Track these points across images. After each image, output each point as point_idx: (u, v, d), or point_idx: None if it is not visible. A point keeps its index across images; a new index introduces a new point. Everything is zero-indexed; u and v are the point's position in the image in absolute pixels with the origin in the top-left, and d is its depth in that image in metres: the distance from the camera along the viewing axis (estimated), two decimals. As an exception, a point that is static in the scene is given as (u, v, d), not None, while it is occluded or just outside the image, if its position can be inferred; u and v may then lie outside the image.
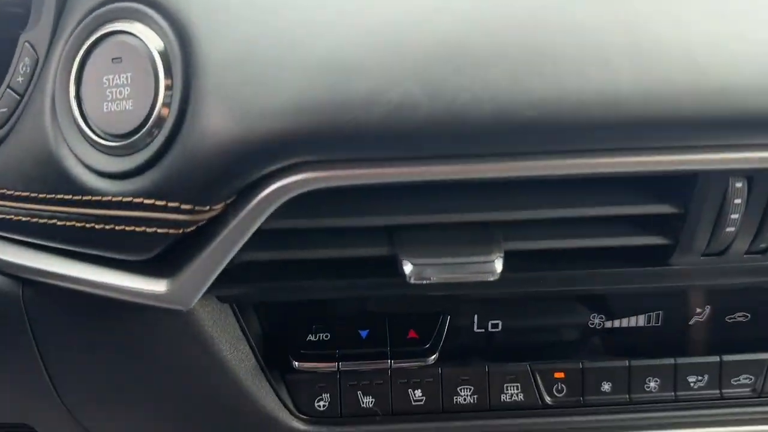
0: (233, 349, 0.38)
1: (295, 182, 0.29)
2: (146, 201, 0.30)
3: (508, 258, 0.32)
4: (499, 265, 0.31)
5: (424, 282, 0.32)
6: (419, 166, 0.28)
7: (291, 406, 0.41)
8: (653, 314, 0.41)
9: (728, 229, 0.30)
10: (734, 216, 0.30)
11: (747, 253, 0.33)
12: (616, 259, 0.34)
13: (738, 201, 0.30)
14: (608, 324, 0.42)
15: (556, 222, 0.32)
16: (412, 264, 0.31)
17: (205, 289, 0.31)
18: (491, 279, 0.31)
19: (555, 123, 0.27)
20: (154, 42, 0.30)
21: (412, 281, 0.31)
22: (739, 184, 0.30)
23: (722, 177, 0.30)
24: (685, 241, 0.31)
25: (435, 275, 0.31)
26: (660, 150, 0.29)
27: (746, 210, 0.31)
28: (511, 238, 0.32)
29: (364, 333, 0.40)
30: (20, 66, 0.34)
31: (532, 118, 0.27)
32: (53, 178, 0.32)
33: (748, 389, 0.43)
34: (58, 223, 0.32)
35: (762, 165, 0.30)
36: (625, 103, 0.27)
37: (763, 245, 0.32)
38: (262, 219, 0.30)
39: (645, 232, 0.32)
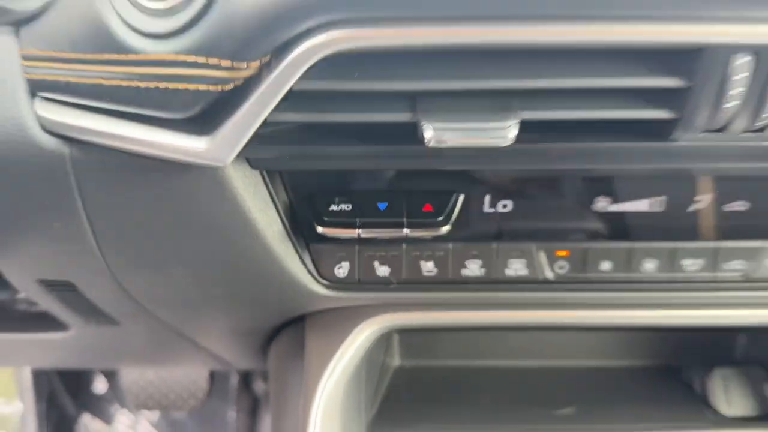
0: (262, 213, 0.41)
1: (324, 42, 0.31)
2: (188, 58, 0.32)
3: (522, 130, 0.35)
4: (513, 132, 0.34)
5: (442, 146, 0.34)
6: (441, 26, 0.30)
7: (313, 271, 0.45)
8: (655, 199, 0.44)
9: (731, 103, 0.32)
10: (737, 91, 0.32)
11: (746, 131, 0.35)
12: (623, 134, 0.36)
13: (741, 76, 0.32)
14: (611, 208, 0.44)
15: (567, 94, 0.34)
16: (432, 128, 0.34)
17: (241, 146, 0.34)
18: (504, 144, 0.34)
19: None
20: None
21: (431, 144, 0.34)
22: (745, 59, 0.32)
23: (728, 52, 0.32)
24: (687, 116, 0.34)
25: (452, 139, 0.34)
26: (670, 20, 0.30)
27: (750, 86, 0.33)
28: (526, 108, 0.34)
29: (383, 205, 0.43)
30: None
31: None
32: (100, 39, 0.34)
33: (739, 274, 0.46)
34: (105, 83, 0.35)
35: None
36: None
37: (759, 123, 0.34)
38: (294, 79, 0.32)
39: (651, 105, 0.34)
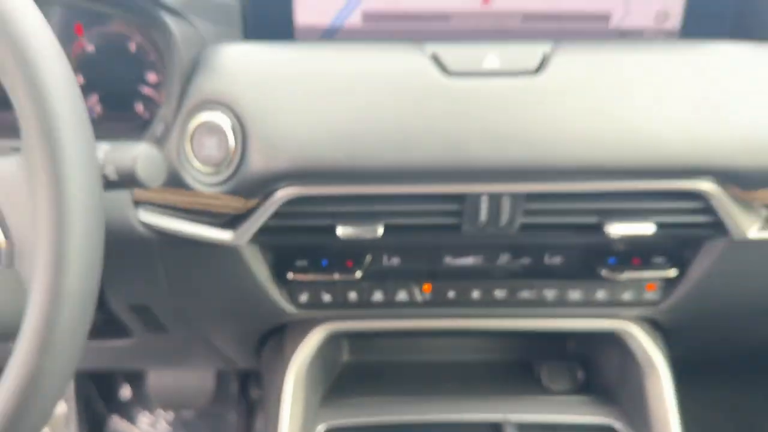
0: (259, 267, 0.73)
1: (290, 192, 0.65)
2: (223, 196, 0.66)
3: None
4: (380, 231, 0.67)
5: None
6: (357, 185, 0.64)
7: (287, 299, 0.77)
8: (477, 257, 0.77)
9: (483, 218, 0.66)
10: (484, 216, 0.66)
11: (501, 227, 0.68)
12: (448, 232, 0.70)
13: (484, 206, 0.66)
14: (454, 262, 0.78)
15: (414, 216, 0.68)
16: (342, 230, 0.68)
17: (249, 236, 0.67)
18: (376, 236, 0.67)
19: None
20: (227, 122, 0.65)
21: (342, 237, 0.68)
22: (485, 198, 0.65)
23: (474, 196, 0.65)
24: (463, 222, 0.67)
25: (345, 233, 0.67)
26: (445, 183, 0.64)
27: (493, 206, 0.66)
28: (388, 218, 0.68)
29: (324, 262, 0.76)
30: (158, 127, 0.69)
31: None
32: (176, 182, 0.67)
33: (553, 299, 0.76)
34: (179, 203, 0.68)
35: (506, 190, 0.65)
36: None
37: (504, 226, 0.67)
38: (274, 209, 0.66)
39: (448, 217, 0.68)
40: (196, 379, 1.50)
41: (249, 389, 1.62)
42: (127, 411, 1.65)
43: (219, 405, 1.62)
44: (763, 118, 0.63)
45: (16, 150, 0.53)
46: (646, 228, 0.65)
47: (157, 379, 1.50)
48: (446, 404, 0.84)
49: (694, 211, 0.66)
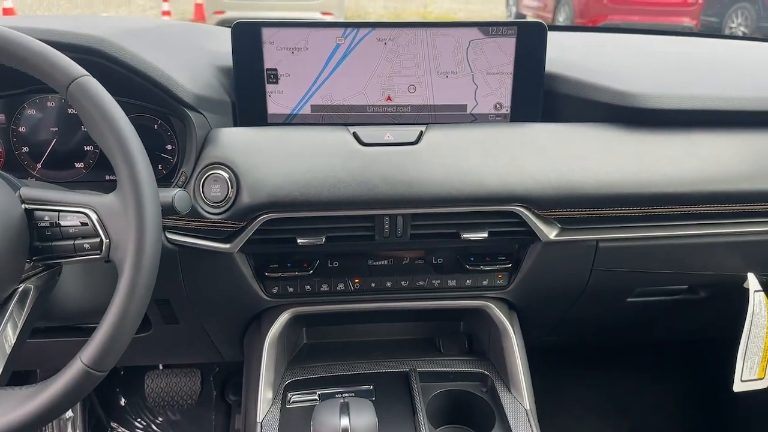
0: (246, 269, 1.10)
1: (267, 216, 1.04)
2: (223, 221, 1.05)
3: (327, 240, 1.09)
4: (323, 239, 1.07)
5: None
6: (308, 211, 1.03)
7: (263, 291, 1.15)
8: (388, 260, 1.17)
9: (386, 230, 1.07)
10: (387, 229, 1.07)
11: (398, 236, 1.09)
12: (364, 239, 1.10)
13: (386, 223, 1.07)
14: (374, 263, 1.18)
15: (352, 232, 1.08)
16: (303, 240, 1.07)
17: (239, 246, 1.05)
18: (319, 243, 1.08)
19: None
20: (226, 175, 1.05)
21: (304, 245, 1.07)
22: (401, 219, 1.07)
23: (381, 217, 1.06)
24: (376, 234, 1.08)
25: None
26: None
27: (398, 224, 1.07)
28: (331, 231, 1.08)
29: (289, 265, 1.15)
30: (181, 178, 1.08)
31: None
32: (193, 214, 1.06)
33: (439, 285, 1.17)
34: (194, 226, 1.07)
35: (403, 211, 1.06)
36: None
37: (401, 236, 1.08)
38: (256, 227, 1.04)
39: (366, 233, 1.08)
40: (184, 381, 1.84)
41: (226, 394, 1.96)
42: (123, 417, 1.97)
43: (201, 408, 1.96)
44: (549, 169, 1.06)
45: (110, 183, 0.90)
46: (483, 235, 1.07)
47: (153, 382, 1.83)
48: (374, 363, 1.23)
49: (515, 224, 1.08)
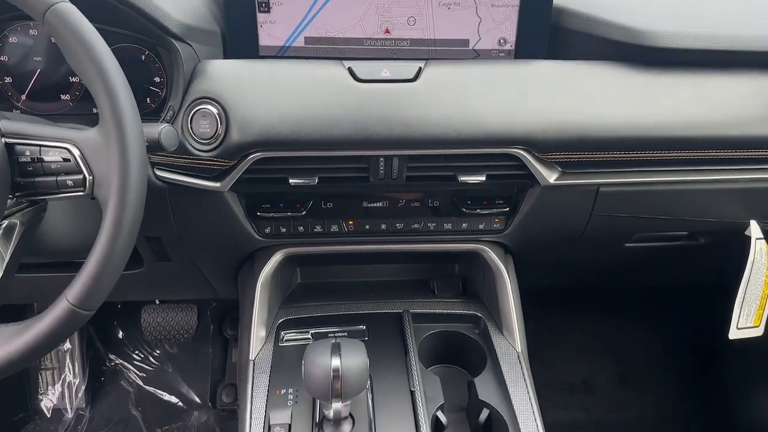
0: (237, 208, 1.08)
1: (257, 155, 1.00)
2: (213, 159, 1.01)
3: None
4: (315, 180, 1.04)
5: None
6: (300, 150, 1.00)
7: (256, 231, 1.14)
8: (384, 202, 1.15)
9: (381, 171, 1.04)
10: (382, 170, 1.04)
11: (394, 179, 1.06)
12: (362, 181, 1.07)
13: (381, 165, 1.03)
14: (368, 205, 1.15)
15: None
16: (293, 181, 1.04)
17: (230, 185, 1.02)
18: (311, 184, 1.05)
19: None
20: (215, 110, 1.01)
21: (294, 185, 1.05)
22: (381, 161, 1.03)
23: (376, 159, 1.02)
24: (371, 176, 1.04)
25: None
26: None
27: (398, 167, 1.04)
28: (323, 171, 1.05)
29: (281, 205, 1.13)
30: (168, 113, 1.04)
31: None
32: (181, 151, 1.03)
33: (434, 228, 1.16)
34: (183, 164, 1.04)
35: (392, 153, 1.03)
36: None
37: (396, 178, 1.05)
38: (247, 166, 1.00)
39: (360, 174, 1.05)
40: (181, 316, 1.86)
41: (224, 329, 1.98)
42: (122, 349, 1.99)
43: (199, 342, 1.98)
44: (553, 110, 1.01)
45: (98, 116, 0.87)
46: (481, 178, 1.04)
47: (149, 316, 1.84)
48: (367, 304, 1.22)
49: (514, 167, 1.05)
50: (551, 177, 1.06)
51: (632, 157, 1.05)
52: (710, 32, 1.05)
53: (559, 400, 1.85)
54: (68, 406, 1.86)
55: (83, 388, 1.87)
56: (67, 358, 1.90)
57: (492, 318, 1.20)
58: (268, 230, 1.12)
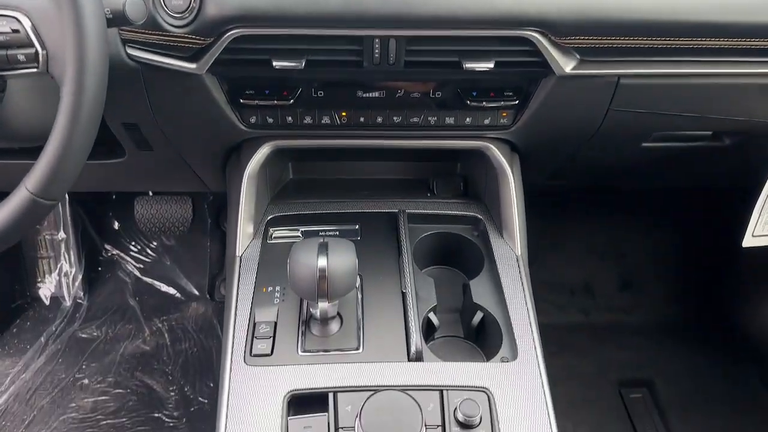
0: (218, 94, 0.98)
1: (235, 32, 0.89)
2: (187, 36, 0.90)
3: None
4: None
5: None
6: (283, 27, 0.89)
7: (240, 120, 1.05)
8: (382, 92, 1.04)
9: (376, 54, 0.92)
10: (377, 54, 0.92)
11: (391, 64, 0.95)
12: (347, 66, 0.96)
13: (376, 49, 0.92)
14: (364, 95, 1.05)
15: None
16: (277, 64, 0.94)
17: (207, 66, 0.92)
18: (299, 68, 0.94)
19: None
20: None
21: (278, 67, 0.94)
22: (376, 42, 0.91)
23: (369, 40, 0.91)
24: (365, 60, 0.93)
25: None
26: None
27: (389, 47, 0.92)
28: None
29: (267, 91, 1.03)
30: None
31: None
32: (154, 27, 0.92)
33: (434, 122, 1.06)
34: (155, 41, 0.93)
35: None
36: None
37: (393, 63, 0.94)
38: (224, 45, 0.90)
39: (353, 57, 0.94)
40: (175, 208, 1.81)
41: (221, 221, 1.95)
42: (117, 240, 1.97)
43: (197, 234, 1.95)
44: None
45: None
46: (488, 65, 0.93)
47: (142, 207, 1.80)
48: (361, 202, 1.15)
49: (527, 53, 0.93)
50: (568, 65, 0.94)
51: (658, 44, 0.93)
52: None
53: (558, 302, 1.82)
54: (66, 295, 1.86)
55: (80, 277, 1.86)
56: (63, 247, 1.88)
57: (492, 220, 1.13)
58: (253, 120, 1.03)
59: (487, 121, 1.05)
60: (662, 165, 1.30)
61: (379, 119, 1.05)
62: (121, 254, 1.96)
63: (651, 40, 0.92)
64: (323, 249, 0.86)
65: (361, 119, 1.05)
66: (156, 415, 1.57)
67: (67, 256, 1.88)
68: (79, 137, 0.73)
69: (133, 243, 1.96)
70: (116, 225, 1.95)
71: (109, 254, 1.96)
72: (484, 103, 1.02)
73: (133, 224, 1.91)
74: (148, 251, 1.96)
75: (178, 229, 1.83)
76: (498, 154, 1.09)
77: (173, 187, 1.63)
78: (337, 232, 1.09)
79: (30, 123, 0.92)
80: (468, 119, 1.05)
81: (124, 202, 1.91)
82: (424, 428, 0.78)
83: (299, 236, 1.09)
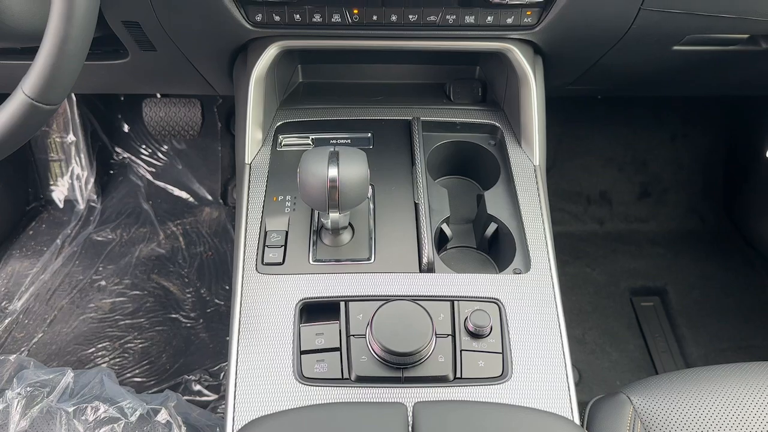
0: None
1: None
2: None
3: None
4: None
5: None
6: None
7: (245, 18, 0.98)
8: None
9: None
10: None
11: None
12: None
13: None
14: None
15: None
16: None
17: None
18: None
19: None
20: None
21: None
22: None
23: None
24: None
25: None
26: None
27: None
28: None
29: None
30: None
31: None
32: None
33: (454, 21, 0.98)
34: None
35: None
36: None
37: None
38: None
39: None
40: (184, 111, 1.77)
41: (231, 125, 1.91)
42: (128, 143, 1.95)
43: (208, 139, 1.92)
44: None
45: None
46: None
47: (150, 110, 1.76)
48: (374, 109, 1.11)
49: None
50: None
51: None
52: None
53: (574, 211, 1.80)
54: (79, 198, 1.87)
55: (92, 180, 1.86)
56: (73, 150, 1.87)
57: (511, 128, 1.09)
58: (259, 17, 0.97)
59: (510, 21, 0.98)
60: (693, 70, 1.23)
61: (394, 17, 0.98)
62: (133, 157, 1.95)
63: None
64: (334, 158, 0.83)
65: (374, 17, 0.98)
66: (173, 315, 1.61)
67: (78, 159, 1.87)
68: (74, 37, 0.69)
69: (144, 146, 1.95)
70: (126, 128, 1.92)
71: (120, 157, 1.95)
72: (507, 0, 0.95)
73: (143, 127, 1.88)
74: (159, 155, 1.95)
75: (188, 133, 1.80)
76: (520, 57, 1.03)
77: (181, 89, 1.58)
78: (349, 140, 1.06)
79: (28, 22, 0.87)
80: (490, 18, 0.98)
81: (133, 104, 1.88)
82: (434, 337, 0.79)
83: (310, 144, 1.06)
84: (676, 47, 1.09)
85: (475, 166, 1.10)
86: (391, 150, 1.04)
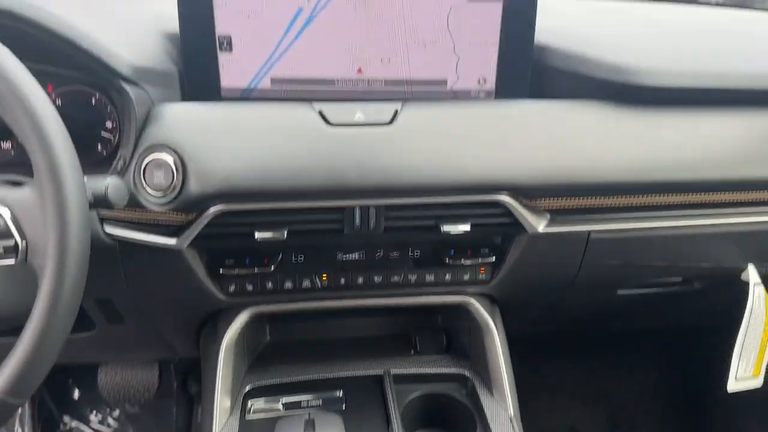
0: (197, 266, 0.97)
1: (218, 209, 0.90)
2: (169, 212, 0.91)
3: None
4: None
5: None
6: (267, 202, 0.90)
7: (219, 289, 1.03)
8: (361, 252, 1.05)
9: (357, 222, 0.95)
10: (357, 222, 0.94)
11: (371, 230, 0.97)
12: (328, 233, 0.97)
13: (357, 215, 0.94)
14: (343, 258, 1.05)
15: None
16: (260, 234, 0.94)
17: (189, 242, 0.92)
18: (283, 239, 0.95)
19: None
20: (171, 159, 0.91)
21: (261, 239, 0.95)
22: (357, 211, 0.94)
23: (350, 209, 0.94)
24: (346, 228, 0.95)
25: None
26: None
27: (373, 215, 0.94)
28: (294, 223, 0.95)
29: (248, 261, 1.02)
30: (119, 163, 0.93)
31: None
32: (133, 204, 0.92)
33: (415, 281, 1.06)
34: (135, 219, 0.93)
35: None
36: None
37: (373, 229, 0.96)
38: (207, 221, 0.91)
39: (334, 224, 0.96)
40: (141, 374, 1.71)
41: (188, 385, 1.84)
42: (77, 411, 1.83)
43: (162, 400, 1.83)
44: (539, 154, 0.94)
45: (18, 184, 0.77)
46: (465, 227, 0.95)
47: (106, 376, 1.70)
48: (344, 365, 1.12)
49: (500, 215, 0.97)
50: (540, 225, 0.98)
51: (625, 202, 0.98)
52: (701, 69, 1.00)
53: (548, 452, 1.75)
54: (17, 475, 1.69)
55: (33, 455, 1.70)
56: (17, 421, 1.73)
57: (480, 376, 1.11)
58: (232, 289, 1.02)
59: (466, 278, 1.06)
60: (639, 310, 1.32)
61: (360, 280, 1.05)
62: (80, 426, 1.82)
63: (616, 198, 0.98)
64: (309, 428, 0.82)
65: (342, 281, 1.05)
66: None
67: (20, 430, 1.73)
68: (55, 334, 0.70)
69: (94, 413, 1.83)
70: (76, 394, 1.82)
71: (67, 427, 1.81)
72: (462, 261, 1.04)
73: (94, 393, 1.79)
74: (110, 421, 1.83)
75: (144, 396, 1.73)
76: (480, 309, 1.09)
77: (141, 355, 1.56)
78: (320, 402, 1.04)
79: (7, 307, 0.89)
80: (448, 276, 1.06)
81: (85, 370, 1.81)
82: None
83: (280, 409, 1.03)
84: (621, 291, 1.19)
85: (451, 418, 1.09)
86: (364, 409, 1.03)
